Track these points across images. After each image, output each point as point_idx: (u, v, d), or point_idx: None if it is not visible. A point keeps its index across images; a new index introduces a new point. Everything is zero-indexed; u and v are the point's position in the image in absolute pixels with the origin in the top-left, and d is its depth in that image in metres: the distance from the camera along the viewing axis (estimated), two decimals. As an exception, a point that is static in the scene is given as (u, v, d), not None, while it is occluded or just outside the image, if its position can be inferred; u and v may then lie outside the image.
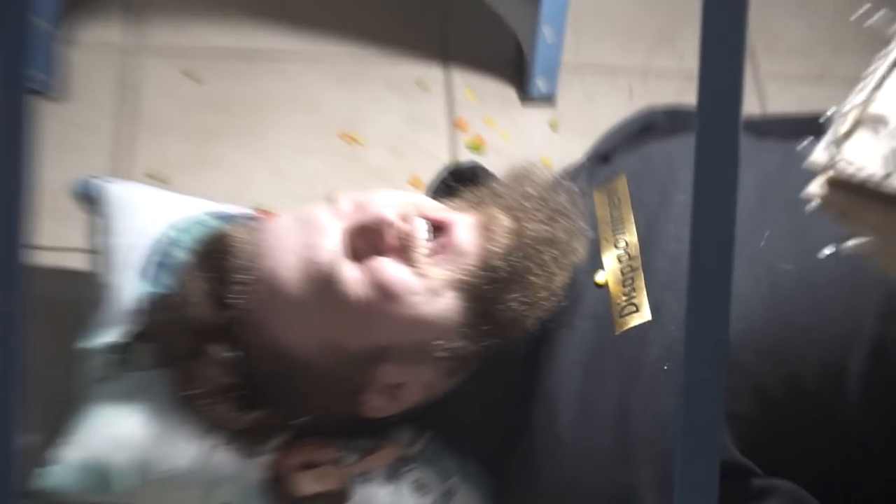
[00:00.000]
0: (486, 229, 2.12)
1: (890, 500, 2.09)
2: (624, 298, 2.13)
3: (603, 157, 2.40)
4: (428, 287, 2.08)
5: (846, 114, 1.75)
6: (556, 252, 2.14)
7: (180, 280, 2.18)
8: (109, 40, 2.94)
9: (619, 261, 2.17)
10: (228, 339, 2.11)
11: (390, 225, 2.07)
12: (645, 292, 2.11)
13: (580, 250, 2.17)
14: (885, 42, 1.89)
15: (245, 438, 2.15)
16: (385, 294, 2.06)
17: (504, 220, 2.14)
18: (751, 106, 2.80)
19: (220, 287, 2.11)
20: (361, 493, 2.14)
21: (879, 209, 1.73)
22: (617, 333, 2.10)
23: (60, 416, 2.21)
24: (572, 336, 2.14)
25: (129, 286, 2.30)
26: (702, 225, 1.69)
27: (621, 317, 2.11)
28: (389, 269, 2.07)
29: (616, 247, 2.18)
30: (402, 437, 2.19)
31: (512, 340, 2.14)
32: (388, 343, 2.10)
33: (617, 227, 2.20)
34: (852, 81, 2.79)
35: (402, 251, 2.09)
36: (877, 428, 2.05)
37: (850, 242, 1.75)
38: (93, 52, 2.92)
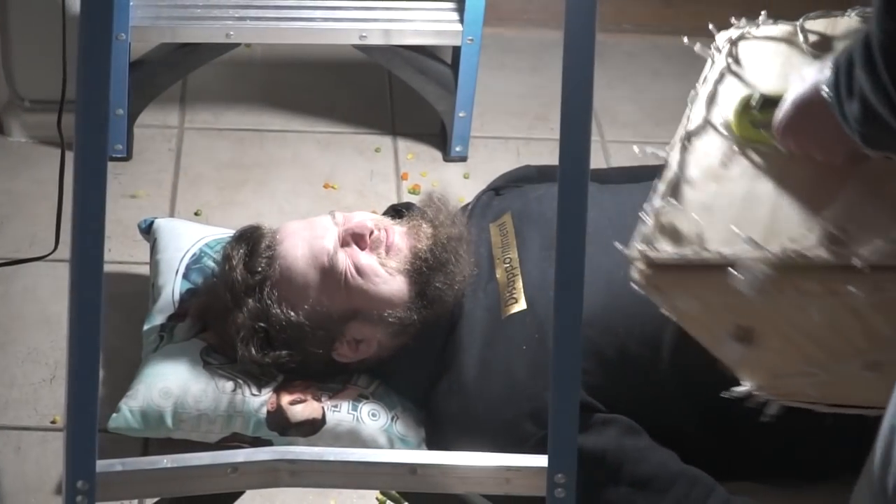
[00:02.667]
0: (414, 233, 2.18)
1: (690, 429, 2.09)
2: (507, 294, 2.15)
3: (494, 191, 2.41)
4: (385, 271, 2.13)
5: (646, 220, 1.76)
6: (463, 249, 2.18)
7: (223, 255, 2.21)
8: (167, 122, 2.92)
9: (506, 271, 2.19)
10: (255, 296, 2.13)
11: (369, 231, 2.15)
12: (522, 291, 2.12)
13: (468, 241, 2.20)
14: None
15: (255, 379, 2.15)
16: (359, 271, 2.12)
17: (426, 227, 2.19)
18: (598, 162, 2.80)
19: (251, 259, 2.14)
20: (333, 419, 2.13)
21: (692, 276, 1.72)
22: (503, 318, 2.12)
23: (130, 376, 2.20)
24: (474, 320, 2.17)
25: (172, 285, 2.30)
26: (563, 245, 1.70)
27: (506, 306, 2.14)
28: (363, 257, 2.13)
29: (503, 262, 2.20)
30: (360, 382, 2.19)
31: (438, 317, 2.16)
32: (357, 307, 2.13)
33: (505, 248, 2.23)
34: (669, 144, 2.77)
35: (374, 248, 2.15)
36: (680, 379, 2.06)
37: (678, 317, 1.76)
38: (155, 130, 2.89)
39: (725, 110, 1.81)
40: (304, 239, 2.16)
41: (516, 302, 2.13)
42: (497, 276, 2.19)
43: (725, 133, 1.78)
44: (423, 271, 2.14)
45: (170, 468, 1.77)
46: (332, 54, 3.13)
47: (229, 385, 2.15)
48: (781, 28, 1.87)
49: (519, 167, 2.55)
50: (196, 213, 2.66)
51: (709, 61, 1.89)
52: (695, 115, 1.84)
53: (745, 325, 1.69)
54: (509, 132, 2.99)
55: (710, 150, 1.79)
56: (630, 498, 2.02)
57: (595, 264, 2.05)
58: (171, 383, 2.15)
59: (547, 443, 1.78)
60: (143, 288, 2.40)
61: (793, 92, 1.65)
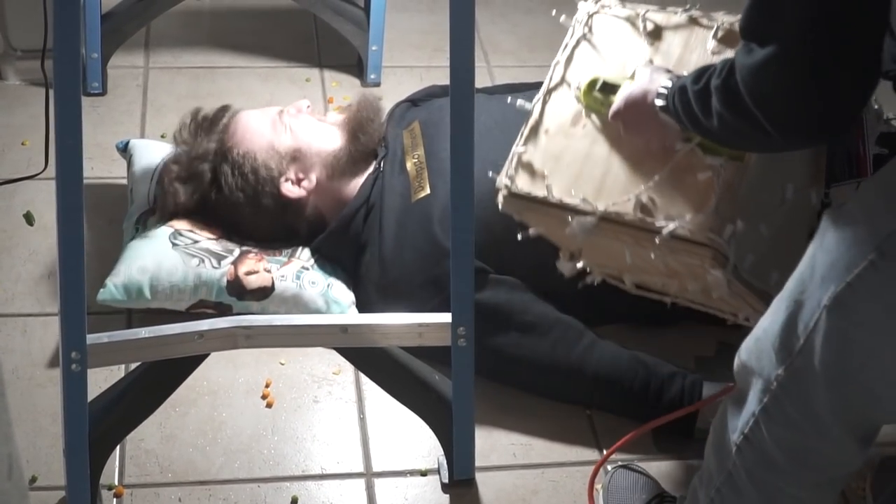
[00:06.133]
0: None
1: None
2: (417, 183, 2.15)
3: (411, 103, 2.43)
4: (322, 122, 2.24)
5: (510, 159, 1.84)
6: (381, 125, 2.28)
7: (190, 115, 2.27)
8: (134, 63, 2.87)
9: (414, 165, 2.18)
10: (217, 139, 2.20)
11: (306, 106, 2.25)
12: (427, 180, 2.12)
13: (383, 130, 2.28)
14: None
15: (215, 255, 2.15)
16: (301, 120, 2.21)
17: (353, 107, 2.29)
18: (485, 82, 2.79)
19: (214, 116, 2.24)
20: (280, 286, 2.12)
21: (540, 208, 1.81)
22: (413, 202, 2.13)
23: (113, 261, 2.17)
24: (389, 205, 2.17)
25: (148, 189, 2.27)
26: (456, 145, 1.68)
27: (415, 193, 2.14)
28: (304, 115, 2.24)
29: (412, 157, 2.19)
30: (302, 256, 2.19)
31: (365, 156, 2.24)
32: (298, 146, 2.19)
33: (414, 147, 2.23)
34: (542, 68, 2.75)
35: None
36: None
37: (529, 233, 1.88)
38: (125, 70, 2.84)
39: (579, 76, 1.87)
40: (259, 111, 2.24)
41: (423, 189, 2.13)
42: (407, 168, 2.18)
43: (575, 98, 1.86)
44: (353, 129, 2.22)
45: (147, 337, 1.76)
46: (267, 2, 3.09)
47: (194, 261, 2.13)
48: (628, 11, 1.93)
49: (428, 86, 2.55)
50: (162, 136, 2.61)
51: (570, 30, 1.93)
52: (555, 75, 1.91)
53: (574, 252, 1.84)
54: (414, 62, 2.96)
55: (563, 108, 1.86)
56: (518, 341, 2.03)
57: (485, 156, 2.05)
58: (147, 261, 2.13)
59: (450, 302, 1.78)
60: (123, 197, 2.38)
61: (625, 90, 1.75)
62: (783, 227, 1.74)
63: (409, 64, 2.94)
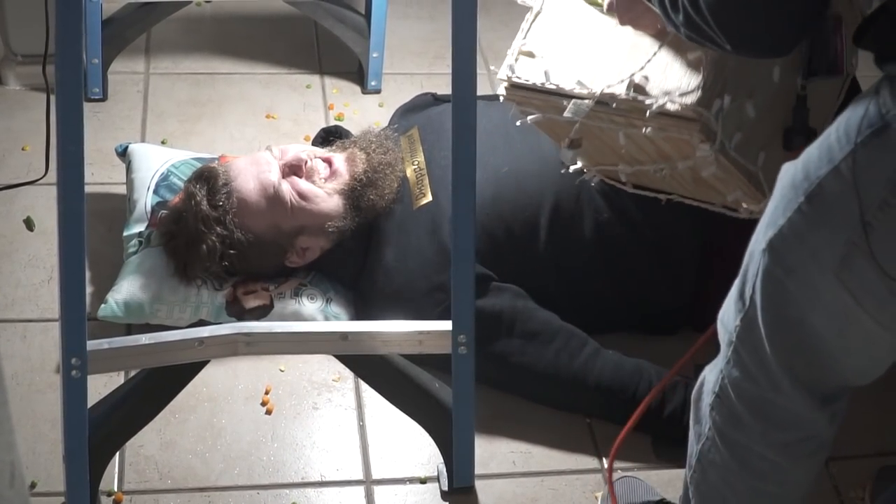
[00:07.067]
0: (351, 160, 2.14)
1: (567, 296, 2.10)
2: (417, 190, 2.16)
3: (406, 111, 2.44)
4: (324, 193, 2.11)
5: (512, 50, 1.85)
6: (390, 169, 2.16)
7: (186, 193, 2.14)
8: (135, 69, 2.87)
9: (414, 172, 2.18)
10: (220, 225, 2.09)
11: (304, 161, 2.12)
12: (429, 187, 2.12)
13: (400, 167, 2.19)
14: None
15: (216, 277, 2.12)
16: (301, 196, 2.10)
17: (360, 154, 2.15)
18: (485, 89, 2.79)
19: (212, 196, 2.10)
20: (280, 304, 2.13)
21: (539, 97, 1.81)
22: (414, 209, 2.14)
23: (113, 274, 2.17)
24: (391, 212, 2.17)
25: (145, 199, 2.26)
26: (458, 152, 1.68)
27: (416, 200, 2.15)
28: (303, 184, 2.11)
29: (413, 164, 2.19)
30: (300, 273, 2.17)
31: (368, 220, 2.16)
32: (302, 224, 2.11)
33: (413, 154, 2.23)
34: None
35: (309, 175, 2.13)
36: (553, 251, 2.10)
37: (528, 119, 1.85)
38: (126, 76, 2.84)
39: None
40: (253, 175, 2.11)
41: (424, 196, 2.13)
42: (408, 175, 2.18)
43: None
44: (357, 189, 2.12)
45: (148, 343, 1.76)
46: (268, 8, 3.07)
47: (196, 281, 2.13)
48: None
49: (419, 94, 2.56)
50: (162, 142, 2.61)
51: None
52: None
53: (575, 137, 1.84)
54: (414, 69, 2.96)
55: (564, 4, 1.87)
56: (521, 349, 2.04)
57: (485, 163, 2.06)
58: (149, 279, 2.13)
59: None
60: (122, 204, 2.37)
61: None
62: (771, 110, 1.76)
63: (409, 71, 2.95)
